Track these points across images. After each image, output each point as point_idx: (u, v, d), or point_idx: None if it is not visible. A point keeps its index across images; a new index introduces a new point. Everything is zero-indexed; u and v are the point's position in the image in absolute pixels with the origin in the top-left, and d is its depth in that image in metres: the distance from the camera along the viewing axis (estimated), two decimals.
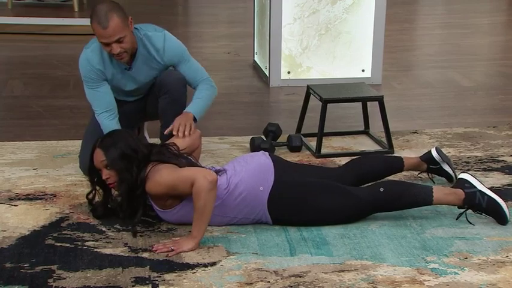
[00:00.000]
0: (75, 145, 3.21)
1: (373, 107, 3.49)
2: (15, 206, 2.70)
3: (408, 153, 3.24)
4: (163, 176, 2.38)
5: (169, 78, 2.89)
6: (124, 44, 2.72)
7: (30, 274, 2.21)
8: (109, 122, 2.85)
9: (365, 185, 2.65)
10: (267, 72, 4.47)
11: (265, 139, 3.32)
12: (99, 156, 2.47)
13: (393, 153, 3.25)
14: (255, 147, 3.23)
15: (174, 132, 2.73)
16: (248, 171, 2.52)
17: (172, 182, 2.37)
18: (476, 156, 3.23)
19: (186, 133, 2.70)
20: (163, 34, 2.86)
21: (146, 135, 3.32)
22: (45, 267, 2.26)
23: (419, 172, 2.93)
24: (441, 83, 4.52)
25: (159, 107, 2.94)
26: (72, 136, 3.41)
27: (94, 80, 2.82)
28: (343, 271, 2.25)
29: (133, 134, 2.62)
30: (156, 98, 2.96)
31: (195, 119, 2.82)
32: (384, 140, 3.33)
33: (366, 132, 3.53)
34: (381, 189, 2.52)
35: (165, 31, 2.89)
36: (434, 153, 2.87)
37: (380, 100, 3.29)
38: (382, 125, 3.29)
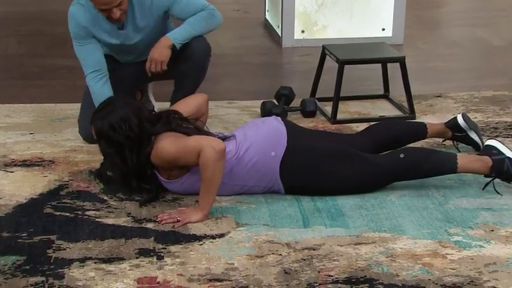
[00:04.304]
0: (74, 108, 3.21)
1: (393, 69, 3.46)
2: (11, 172, 2.72)
3: (431, 118, 3.22)
4: (167, 147, 2.38)
5: (194, 43, 2.89)
6: (123, 6, 2.70)
7: (29, 244, 2.24)
8: (97, 84, 2.83)
9: (384, 152, 2.64)
10: (279, 32, 4.43)
11: (277, 103, 3.31)
12: (93, 134, 2.49)
13: (415, 118, 3.23)
14: (266, 112, 3.22)
15: (148, 73, 2.87)
16: (259, 136, 2.52)
17: (176, 152, 2.37)
18: (505, 122, 3.21)
19: (159, 70, 2.83)
20: None
21: (151, 98, 3.30)
22: (44, 237, 2.28)
23: (443, 139, 2.91)
24: (469, 42, 4.47)
25: (179, 70, 2.94)
26: (71, 98, 3.40)
27: (81, 36, 2.82)
28: (359, 244, 2.26)
29: (132, 105, 2.48)
30: (172, 62, 2.92)
31: (174, 47, 2.82)
32: (405, 104, 3.32)
33: (385, 96, 3.51)
34: (401, 156, 2.51)
35: None
36: (460, 119, 2.85)
37: (401, 61, 3.27)
38: (404, 88, 3.27)
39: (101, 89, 2.83)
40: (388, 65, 3.44)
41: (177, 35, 2.86)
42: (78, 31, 2.80)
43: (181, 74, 2.95)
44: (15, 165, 2.78)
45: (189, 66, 2.91)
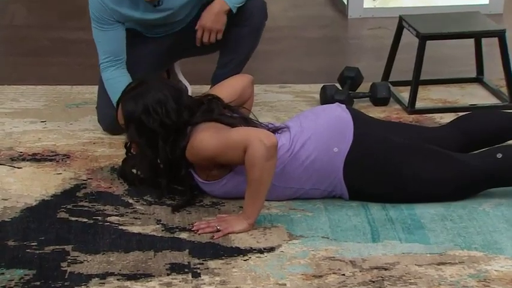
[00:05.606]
0: (94, 91, 3.27)
1: (490, 46, 3.44)
2: (18, 168, 2.79)
3: None
4: (207, 140, 2.41)
5: (251, 3, 2.97)
6: None
7: (39, 255, 2.29)
8: (115, 72, 2.89)
9: (476, 151, 2.62)
10: None
11: (340, 88, 3.32)
12: (120, 118, 2.53)
13: None
14: (327, 98, 3.23)
15: (198, 43, 2.97)
16: (319, 127, 2.53)
17: (217, 148, 2.39)
18: None
19: (212, 40, 2.94)
20: None
21: (182, 78, 3.34)
22: (57, 247, 2.33)
23: None
24: None
25: (233, 36, 3.01)
26: (90, 79, 3.47)
27: (105, 20, 2.87)
28: (443, 264, 2.25)
29: (170, 86, 2.53)
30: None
31: (231, 11, 2.91)
32: (504, 90, 3.30)
33: (478, 79, 3.50)
34: (499, 156, 2.49)
35: None
36: None
37: (500, 36, 3.24)
38: (503, 70, 3.25)
39: (117, 79, 2.88)
40: (483, 40, 3.41)
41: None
42: (101, 14, 2.85)
43: (237, 40, 3.02)
44: (23, 159, 2.85)
45: (245, 30, 3.00)
